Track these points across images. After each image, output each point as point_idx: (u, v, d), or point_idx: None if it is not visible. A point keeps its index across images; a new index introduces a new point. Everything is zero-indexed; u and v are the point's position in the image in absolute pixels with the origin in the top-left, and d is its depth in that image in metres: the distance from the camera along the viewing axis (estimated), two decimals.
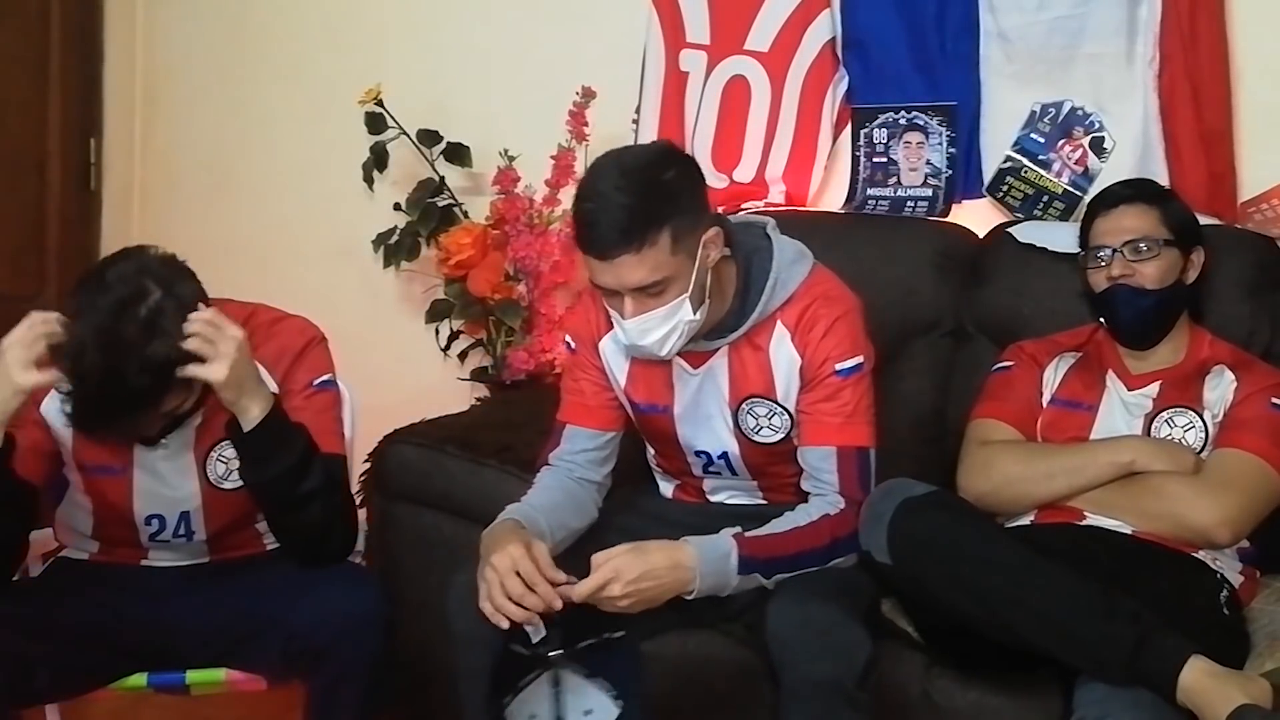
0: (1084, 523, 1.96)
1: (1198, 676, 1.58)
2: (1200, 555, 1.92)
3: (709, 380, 1.98)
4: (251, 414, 1.83)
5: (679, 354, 1.96)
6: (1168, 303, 2.09)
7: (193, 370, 1.77)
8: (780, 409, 1.96)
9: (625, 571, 1.73)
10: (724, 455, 2.02)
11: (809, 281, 1.96)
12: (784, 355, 1.94)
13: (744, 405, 1.97)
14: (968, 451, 2.10)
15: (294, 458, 1.85)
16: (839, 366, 1.91)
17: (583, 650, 1.76)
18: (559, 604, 1.71)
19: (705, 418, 2.00)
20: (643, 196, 1.77)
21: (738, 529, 1.83)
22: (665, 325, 1.84)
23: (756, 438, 1.99)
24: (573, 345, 2.07)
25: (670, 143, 1.94)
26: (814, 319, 1.92)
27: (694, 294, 1.84)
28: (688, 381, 1.99)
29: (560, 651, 1.74)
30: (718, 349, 1.96)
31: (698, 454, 2.04)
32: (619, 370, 2.03)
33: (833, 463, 1.90)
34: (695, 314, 1.85)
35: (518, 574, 1.71)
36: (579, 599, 1.72)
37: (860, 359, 1.93)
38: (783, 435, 1.98)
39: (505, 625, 1.71)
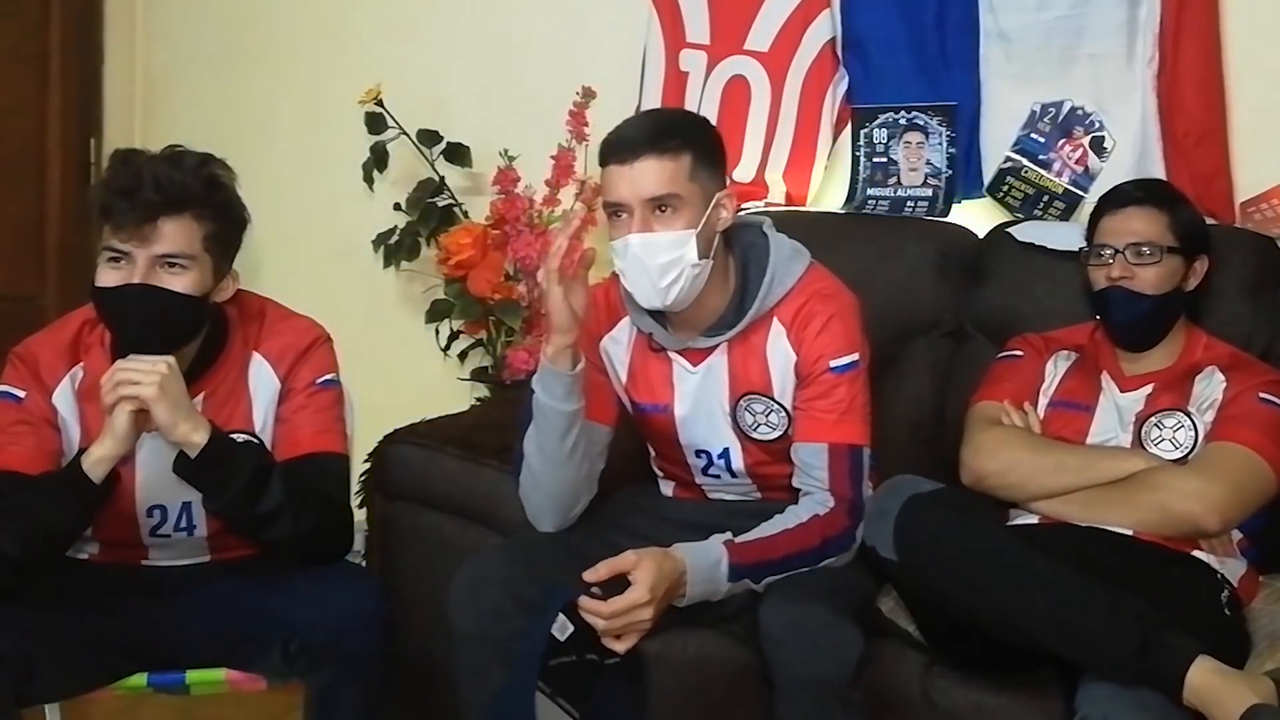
0: (1085, 524, 1.96)
1: (1206, 675, 1.58)
2: (1201, 555, 1.92)
3: (709, 377, 1.98)
4: (194, 440, 1.79)
5: (678, 352, 1.97)
6: (1162, 309, 2.08)
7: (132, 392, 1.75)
8: (777, 406, 1.96)
9: (655, 588, 1.74)
10: (724, 454, 2.02)
11: (805, 279, 1.96)
12: (780, 352, 1.95)
13: (741, 402, 1.98)
14: (976, 430, 2.09)
15: (245, 478, 1.82)
16: (833, 363, 1.91)
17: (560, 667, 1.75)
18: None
19: (707, 415, 2.00)
20: (671, 118, 2.04)
21: (728, 535, 1.84)
22: (670, 254, 1.84)
23: (755, 435, 1.99)
24: None
25: None
26: (809, 315, 1.93)
27: (701, 240, 1.85)
28: (687, 380, 1.99)
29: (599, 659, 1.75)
30: (716, 346, 1.97)
31: (699, 454, 2.04)
32: (620, 368, 2.05)
33: (824, 459, 1.90)
34: (699, 261, 1.85)
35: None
36: (609, 614, 1.73)
37: (855, 356, 1.93)
38: (780, 433, 1.98)
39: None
